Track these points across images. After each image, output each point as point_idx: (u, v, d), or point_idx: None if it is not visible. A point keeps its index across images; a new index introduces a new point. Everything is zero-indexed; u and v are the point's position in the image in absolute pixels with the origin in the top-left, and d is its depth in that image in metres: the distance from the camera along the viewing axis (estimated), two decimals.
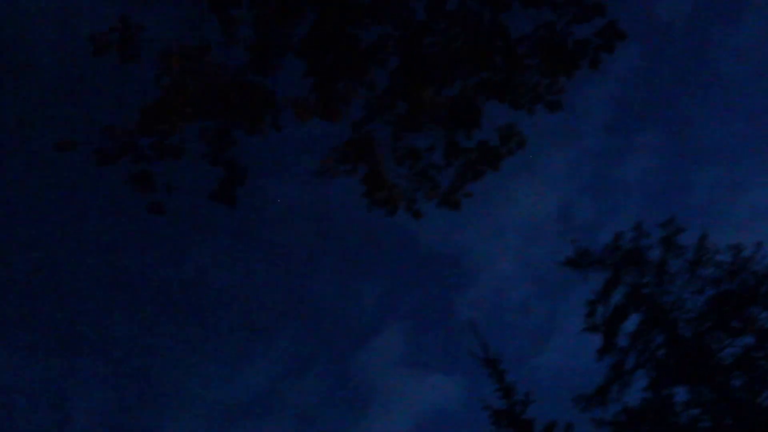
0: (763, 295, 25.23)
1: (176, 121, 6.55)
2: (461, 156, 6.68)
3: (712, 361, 25.24)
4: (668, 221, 26.52)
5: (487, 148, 6.70)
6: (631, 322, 26.85)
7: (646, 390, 26.22)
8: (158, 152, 6.69)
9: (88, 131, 6.62)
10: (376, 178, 6.67)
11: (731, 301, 25.40)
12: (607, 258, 27.28)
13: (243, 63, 6.51)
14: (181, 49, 6.48)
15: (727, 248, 26.07)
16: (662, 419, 25.72)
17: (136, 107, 6.54)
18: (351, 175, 6.68)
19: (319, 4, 5.77)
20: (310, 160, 6.74)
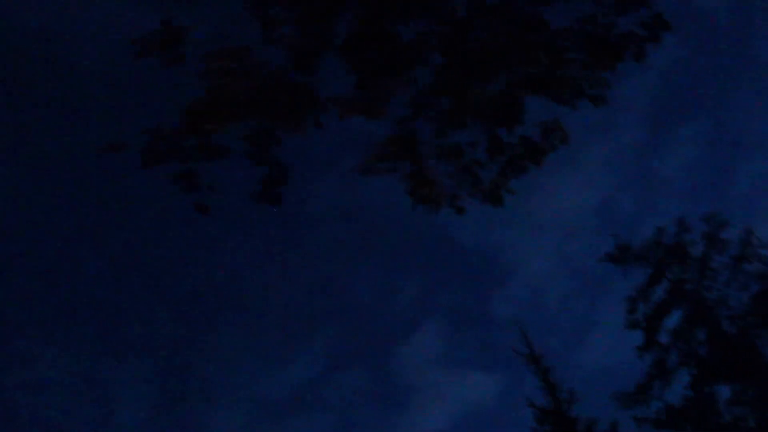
0: None
1: (220, 121, 6.59)
2: (504, 152, 6.62)
3: (757, 359, 24.75)
4: (711, 215, 26.02)
5: (530, 143, 6.63)
6: (673, 319, 26.42)
7: (688, 388, 25.80)
8: (202, 152, 6.73)
9: (134, 133, 6.70)
10: (420, 174, 6.64)
11: None
12: (648, 253, 26.87)
13: (284, 62, 6.52)
14: (223, 51, 6.53)
15: None
16: (704, 418, 25.30)
17: (181, 109, 6.60)
18: (393, 172, 6.66)
19: (360, 2, 5.77)
20: (351, 159, 6.73)
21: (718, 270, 26.11)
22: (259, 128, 6.82)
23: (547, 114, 6.73)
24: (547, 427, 23.81)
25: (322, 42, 6.35)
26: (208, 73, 6.52)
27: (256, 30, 6.49)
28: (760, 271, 25.54)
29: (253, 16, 6.38)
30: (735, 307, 25.73)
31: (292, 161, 6.95)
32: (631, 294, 26.93)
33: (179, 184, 6.82)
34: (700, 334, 25.98)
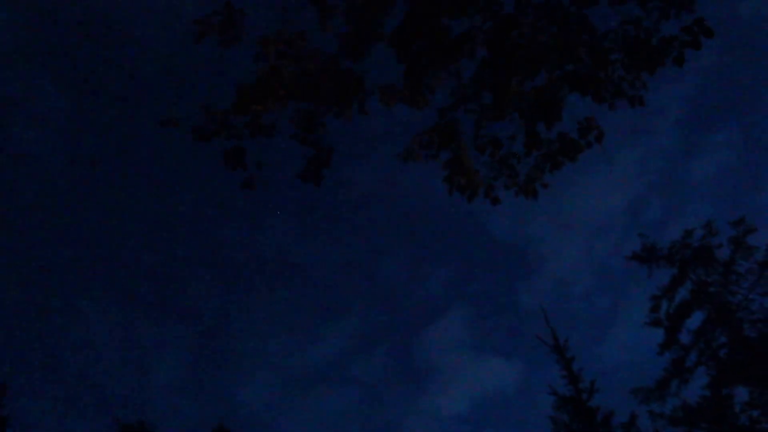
0: None
1: (270, 102, 6.68)
2: (541, 147, 6.62)
3: None
4: (739, 220, 25.64)
5: (567, 139, 6.62)
6: (695, 320, 26.16)
7: (706, 388, 25.55)
8: (251, 131, 6.84)
9: (189, 110, 6.84)
10: (458, 163, 6.67)
11: None
12: (674, 254, 26.60)
13: (335, 50, 6.59)
14: (279, 35, 6.61)
15: None
16: (721, 418, 25.02)
17: (233, 89, 6.71)
18: (434, 159, 6.70)
19: None
20: (393, 146, 6.78)
21: (743, 275, 25.75)
22: (306, 111, 6.90)
23: (585, 112, 6.72)
24: (565, 415, 23.79)
25: (373, 32, 6.40)
26: (262, 56, 6.61)
27: (311, 17, 6.57)
28: None
29: (309, 4, 6.45)
30: (757, 312, 25.37)
31: (337, 145, 7.04)
32: (655, 293, 26.72)
33: (228, 160, 6.94)
34: (720, 336, 25.68)
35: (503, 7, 5.86)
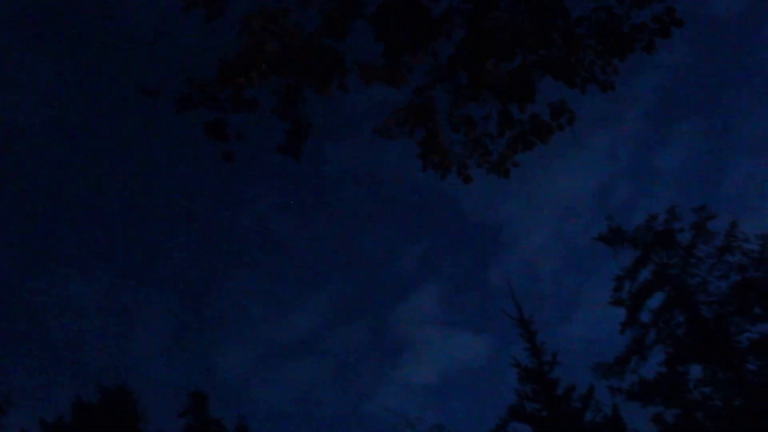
0: None
1: (253, 76, 6.60)
2: (514, 127, 6.62)
3: (729, 344, 24.85)
4: (701, 207, 25.99)
5: (539, 121, 6.62)
6: (656, 300, 26.58)
7: (663, 365, 26.02)
8: (234, 104, 6.77)
9: (172, 81, 6.74)
10: (433, 141, 6.65)
11: (755, 289, 24.88)
12: (638, 237, 26.93)
13: (317, 27, 6.51)
14: (263, 11, 6.52)
15: (756, 237, 25.49)
16: (675, 394, 25.51)
17: (216, 62, 6.62)
18: (409, 137, 6.68)
19: None
20: (371, 125, 6.75)
21: (702, 258, 26.16)
22: (288, 86, 6.83)
23: (558, 96, 6.72)
24: (529, 387, 24.13)
25: (354, 10, 6.32)
26: (246, 31, 6.52)
27: None
28: (740, 263, 25.55)
29: None
30: (714, 294, 25.82)
31: (318, 122, 6.98)
32: (619, 274, 27.06)
33: (209, 132, 6.86)
34: (679, 316, 26.12)
35: None
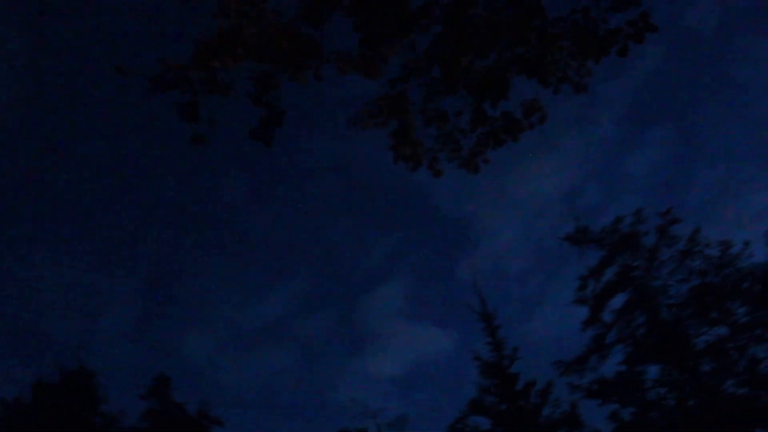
0: (744, 291, 25.14)
1: (228, 60, 6.51)
2: (486, 123, 6.62)
3: (686, 346, 25.28)
4: (666, 211, 26.36)
5: (511, 119, 6.63)
6: (618, 300, 26.92)
7: (622, 364, 26.38)
8: (207, 87, 6.67)
9: (146, 61, 6.61)
10: (405, 134, 6.63)
11: (713, 293, 25.33)
12: (604, 238, 27.22)
13: (296, 13, 6.44)
14: None
15: (716, 243, 25.94)
16: (632, 392, 25.91)
17: (192, 44, 6.51)
18: (381, 128, 6.64)
19: None
20: (346, 115, 6.69)
21: (665, 261, 26.56)
22: (263, 71, 6.75)
23: (531, 95, 6.73)
24: (488, 381, 24.31)
25: None
26: (223, 13, 6.42)
27: None
28: (701, 268, 25.99)
29: None
30: (674, 297, 26.25)
31: (292, 111, 6.91)
32: (583, 273, 27.33)
33: (181, 114, 6.75)
34: (639, 317, 26.49)
35: None
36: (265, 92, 6.82)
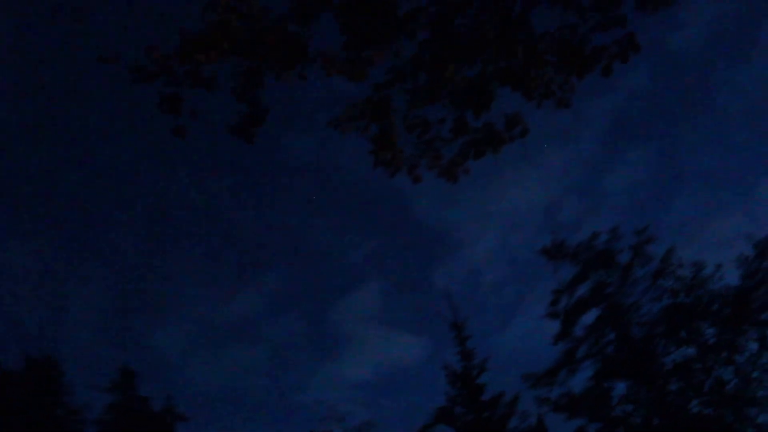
0: (713, 313, 25.49)
1: (214, 54, 6.48)
2: (468, 133, 6.65)
3: (654, 364, 25.56)
4: (641, 230, 26.64)
5: (493, 130, 6.67)
6: (590, 316, 27.15)
7: (591, 379, 26.60)
8: (191, 80, 6.63)
9: (131, 51, 6.56)
10: (386, 139, 6.64)
11: (683, 313, 25.66)
12: (579, 254, 27.44)
13: (285, 11, 6.44)
14: None
15: (689, 265, 26.29)
16: (599, 408, 26.12)
17: (178, 36, 6.47)
18: (363, 132, 6.64)
19: None
20: (329, 117, 6.69)
21: (638, 280, 26.85)
22: (248, 68, 6.73)
23: (514, 108, 6.77)
24: (457, 391, 24.38)
25: None
26: (211, 7, 6.40)
27: None
28: (673, 288, 26.32)
29: None
30: (646, 315, 26.55)
31: (276, 109, 6.90)
32: (557, 288, 27.53)
33: (164, 105, 6.71)
34: (610, 334, 26.74)
35: None
36: (249, 89, 6.80)
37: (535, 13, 5.91)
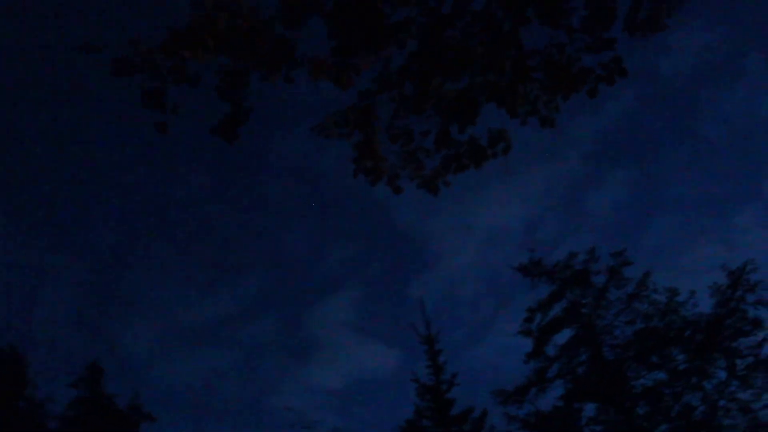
0: (685, 339, 25.70)
1: (199, 51, 6.42)
2: (451, 146, 6.65)
3: (624, 387, 25.69)
4: (619, 252, 26.82)
5: (476, 145, 6.68)
6: (563, 336, 27.25)
7: (560, 399, 26.67)
8: (175, 75, 6.56)
9: (114, 42, 6.48)
10: (368, 147, 6.62)
11: (656, 338, 25.84)
12: (556, 272, 27.55)
13: (274, 12, 6.39)
14: None
15: (664, 290, 26.49)
16: (567, 428, 26.17)
17: (165, 30, 6.40)
18: (346, 138, 6.61)
19: None
20: (313, 122, 6.66)
21: (613, 302, 27.01)
22: (233, 67, 6.68)
23: (498, 124, 6.78)
24: (425, 404, 24.35)
25: (313, 2, 6.23)
26: (198, 4, 6.34)
27: None
28: (647, 312, 26.52)
29: None
30: (618, 338, 26.70)
31: (261, 112, 6.85)
32: (532, 305, 27.62)
33: (146, 100, 6.64)
34: (582, 354, 26.85)
35: (442, 5, 5.82)
36: (234, 88, 6.74)
37: (525, 30, 5.92)
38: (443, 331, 26.13)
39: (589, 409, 26.48)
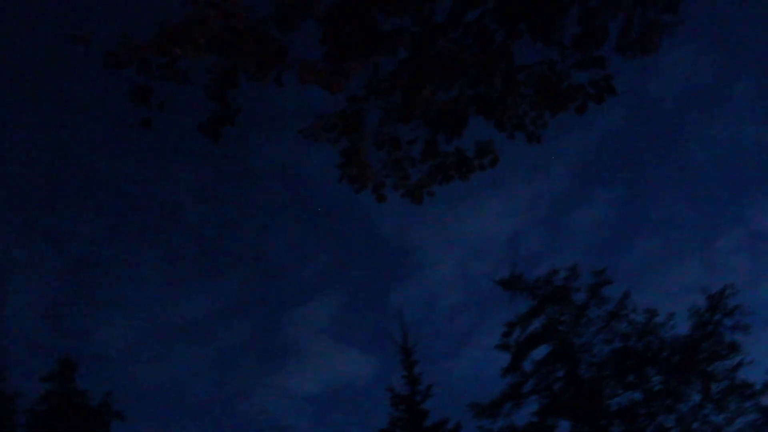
0: (662, 360, 25.87)
1: (189, 49, 6.40)
2: (437, 157, 6.66)
3: (600, 406, 25.80)
4: (600, 271, 27.00)
5: (463, 157, 6.69)
6: (540, 352, 27.34)
7: (535, 414, 26.74)
8: (164, 72, 6.53)
9: (106, 35, 6.44)
10: (354, 153, 6.61)
11: (633, 358, 25.99)
12: (537, 288, 27.68)
13: (267, 13, 6.38)
14: None
15: (643, 310, 26.71)
16: None
17: (155, 26, 6.37)
18: (333, 143, 6.60)
19: None
20: (301, 126, 6.65)
21: (592, 320, 27.17)
22: (223, 67, 6.65)
23: (485, 137, 6.80)
24: (399, 413, 24.32)
25: (307, 6, 6.23)
26: (191, 1, 6.31)
27: None
28: (625, 331, 26.69)
29: None
30: (596, 356, 26.84)
31: (248, 114, 6.82)
32: (511, 320, 27.72)
33: (134, 95, 6.60)
34: (559, 371, 26.96)
35: (435, 15, 5.83)
36: (222, 88, 6.72)
37: (517, 45, 5.95)
38: (422, 341, 26.20)
39: (564, 426, 26.59)
